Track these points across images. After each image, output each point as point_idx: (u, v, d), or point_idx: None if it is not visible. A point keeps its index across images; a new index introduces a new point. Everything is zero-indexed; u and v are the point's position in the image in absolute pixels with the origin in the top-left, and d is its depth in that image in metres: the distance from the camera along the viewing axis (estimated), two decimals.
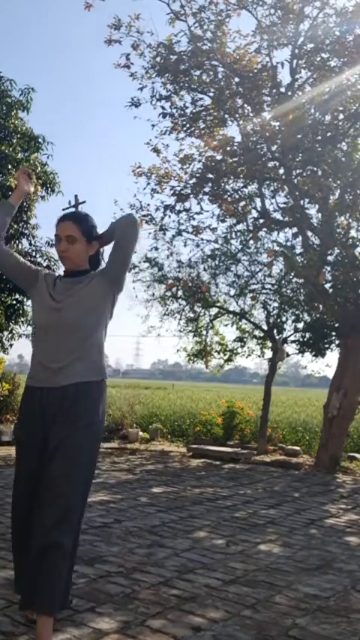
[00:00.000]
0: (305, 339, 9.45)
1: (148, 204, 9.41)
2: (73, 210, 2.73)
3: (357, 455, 9.03)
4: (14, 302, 10.94)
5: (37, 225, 11.07)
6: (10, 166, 9.88)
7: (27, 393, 2.67)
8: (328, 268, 8.27)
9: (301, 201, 8.43)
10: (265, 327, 10.07)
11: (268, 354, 10.10)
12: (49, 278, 2.70)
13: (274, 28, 7.79)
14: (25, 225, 10.86)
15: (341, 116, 8.12)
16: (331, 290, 8.22)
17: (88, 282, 2.63)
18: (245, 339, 10.32)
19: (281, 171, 8.51)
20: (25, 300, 10.98)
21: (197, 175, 8.64)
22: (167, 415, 12.91)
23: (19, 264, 2.74)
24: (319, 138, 7.90)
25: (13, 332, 11.22)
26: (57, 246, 2.65)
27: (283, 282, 9.87)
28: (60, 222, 2.65)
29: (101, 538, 4.13)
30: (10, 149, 10.07)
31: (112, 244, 2.69)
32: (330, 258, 8.30)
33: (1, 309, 10.74)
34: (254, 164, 8.09)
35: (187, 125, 8.59)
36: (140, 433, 10.84)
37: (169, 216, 8.93)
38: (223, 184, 8.72)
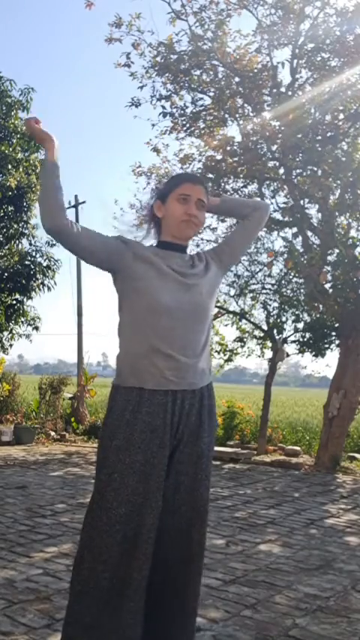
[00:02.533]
0: (305, 339, 9.45)
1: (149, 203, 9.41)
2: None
3: (357, 455, 9.03)
4: (14, 302, 10.95)
5: (37, 225, 11.09)
6: (10, 166, 9.89)
7: (137, 398, 1.99)
8: (329, 268, 8.27)
9: (301, 201, 8.43)
10: (265, 327, 10.07)
11: (268, 354, 10.10)
12: (141, 247, 2.11)
13: (274, 27, 7.78)
14: (25, 225, 10.88)
15: (341, 116, 8.11)
16: (331, 290, 8.22)
17: (206, 262, 2.18)
18: (245, 339, 10.32)
19: (281, 171, 8.50)
20: (25, 300, 10.99)
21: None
22: None
23: (98, 242, 2.04)
24: (320, 138, 7.89)
25: (13, 332, 11.23)
26: (180, 208, 2.08)
27: (283, 282, 9.87)
28: (189, 182, 2.12)
29: None
30: (10, 149, 10.08)
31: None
32: (330, 258, 8.30)
33: (1, 309, 10.74)
34: (254, 164, 8.08)
35: (187, 125, 8.59)
36: None
37: None
38: (223, 184, 8.72)
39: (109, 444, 1.98)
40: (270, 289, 10.07)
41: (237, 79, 8.15)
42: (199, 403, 2.06)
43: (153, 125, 8.62)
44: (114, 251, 2.05)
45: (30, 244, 11.18)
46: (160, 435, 1.97)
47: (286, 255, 9.00)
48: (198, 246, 9.92)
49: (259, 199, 2.45)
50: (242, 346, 10.36)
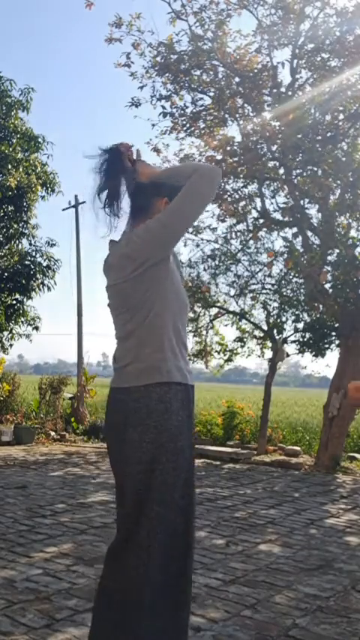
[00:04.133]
0: (305, 339, 9.44)
1: None
2: None
3: (357, 455, 9.02)
4: (14, 302, 10.95)
5: (37, 225, 11.10)
6: (10, 166, 9.88)
7: (185, 395, 2.04)
8: (329, 268, 8.27)
9: (301, 201, 8.43)
10: (265, 327, 10.07)
11: (268, 354, 10.10)
12: None
13: (274, 28, 7.78)
14: (25, 225, 10.87)
15: (341, 116, 8.11)
16: (331, 290, 8.21)
17: None
18: (245, 339, 10.32)
19: (281, 171, 8.51)
20: (25, 300, 10.99)
21: None
22: None
23: None
24: (319, 138, 7.90)
25: (13, 332, 11.22)
26: None
27: (283, 282, 9.87)
28: None
29: (101, 538, 4.13)
30: (10, 149, 10.08)
31: None
32: (330, 258, 8.30)
33: (1, 309, 10.73)
34: (254, 164, 8.08)
35: (188, 125, 8.60)
36: None
37: None
38: (223, 184, 8.71)
39: (174, 446, 1.98)
40: (270, 289, 10.06)
41: (237, 79, 8.15)
42: None
43: (153, 125, 8.62)
44: None
45: (30, 244, 11.18)
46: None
47: (286, 255, 9.00)
48: (198, 246, 9.93)
49: (196, 163, 2.22)
50: (242, 346, 10.36)
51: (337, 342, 8.94)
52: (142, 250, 1.99)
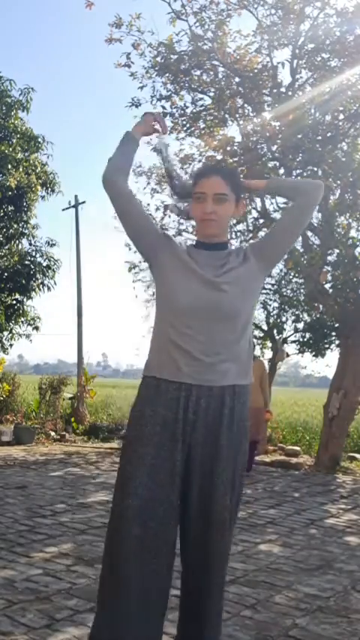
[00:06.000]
0: (305, 339, 9.45)
1: (148, 204, 9.43)
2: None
3: (357, 455, 9.02)
4: (14, 302, 10.95)
5: (37, 225, 11.11)
6: (10, 166, 9.89)
7: (156, 388, 2.01)
8: (329, 268, 8.27)
9: None
10: (265, 327, 10.08)
11: (268, 354, 10.11)
12: (177, 244, 2.13)
13: (274, 28, 7.78)
14: (25, 225, 10.87)
15: (341, 116, 8.11)
16: (331, 290, 8.22)
17: (243, 258, 2.10)
18: None
19: (281, 171, 8.50)
20: (25, 300, 11.00)
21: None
22: None
23: (141, 212, 2.14)
24: (320, 138, 7.89)
25: (13, 332, 11.23)
26: (197, 208, 2.07)
27: (283, 282, 9.88)
28: (203, 177, 2.09)
29: (101, 538, 4.12)
30: (10, 149, 10.07)
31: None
32: (330, 258, 8.30)
33: (1, 309, 10.73)
34: (254, 164, 8.08)
35: (188, 125, 8.59)
36: None
37: (170, 216, 8.95)
38: None
39: (129, 435, 2.07)
40: (270, 289, 10.07)
41: (237, 79, 8.15)
42: (219, 402, 1.99)
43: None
44: (151, 230, 2.12)
45: (30, 244, 11.19)
46: (172, 428, 1.96)
47: (286, 255, 9.00)
48: None
49: (312, 180, 2.44)
50: None
51: (337, 342, 8.95)
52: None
